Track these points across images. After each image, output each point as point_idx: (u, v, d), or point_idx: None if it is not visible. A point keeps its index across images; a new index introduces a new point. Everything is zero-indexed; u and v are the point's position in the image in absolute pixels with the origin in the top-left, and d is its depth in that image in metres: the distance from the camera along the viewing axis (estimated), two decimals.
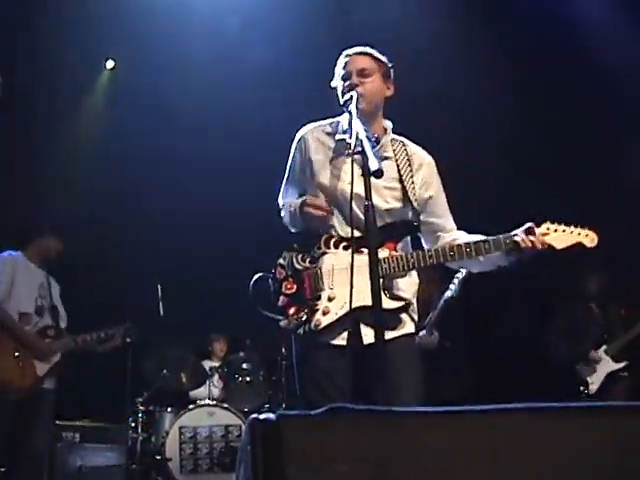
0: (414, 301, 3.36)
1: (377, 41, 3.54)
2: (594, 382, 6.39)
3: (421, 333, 5.86)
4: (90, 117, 8.71)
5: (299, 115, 3.70)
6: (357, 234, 3.12)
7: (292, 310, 3.22)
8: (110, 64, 8.66)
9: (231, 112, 7.79)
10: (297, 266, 3.31)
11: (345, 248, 3.24)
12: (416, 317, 3.37)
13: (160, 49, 7.80)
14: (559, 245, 3.16)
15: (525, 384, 7.07)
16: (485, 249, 3.15)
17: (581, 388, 6.40)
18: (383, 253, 3.14)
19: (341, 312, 3.14)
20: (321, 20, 7.60)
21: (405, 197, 3.29)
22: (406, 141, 3.47)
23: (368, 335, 3.08)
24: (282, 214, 3.54)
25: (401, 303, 3.16)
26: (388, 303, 3.06)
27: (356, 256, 3.04)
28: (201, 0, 7.80)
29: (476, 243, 3.16)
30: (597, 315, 6.70)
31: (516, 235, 3.15)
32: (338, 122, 3.44)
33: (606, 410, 1.87)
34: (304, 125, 3.53)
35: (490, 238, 3.17)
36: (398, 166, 3.33)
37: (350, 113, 3.12)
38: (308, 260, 3.29)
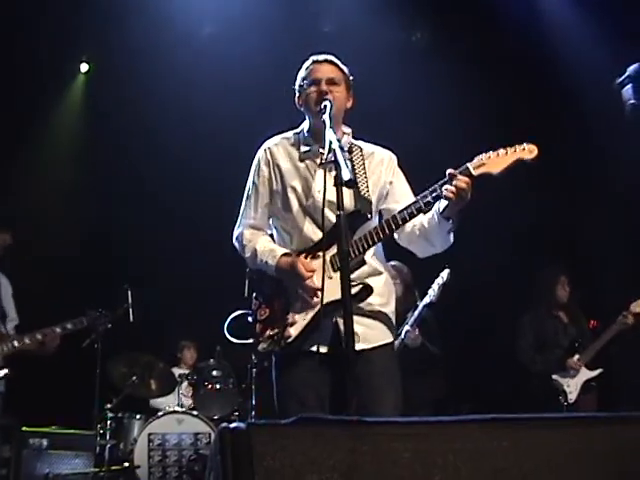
0: (392, 307, 3.39)
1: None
2: (572, 391, 6.43)
3: (404, 330, 5.92)
4: (66, 119, 8.70)
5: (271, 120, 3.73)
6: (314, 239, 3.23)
7: (267, 333, 3.26)
8: (84, 67, 8.64)
9: (206, 114, 7.82)
10: (266, 291, 3.35)
11: (304, 258, 3.26)
12: (394, 325, 3.39)
13: (135, 51, 7.83)
14: (496, 169, 3.01)
15: (504, 392, 7.17)
16: (426, 204, 3.10)
17: (560, 397, 6.43)
18: (334, 250, 3.12)
19: (308, 317, 3.17)
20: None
21: (357, 199, 3.26)
22: (364, 144, 3.49)
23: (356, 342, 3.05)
24: (239, 245, 3.50)
25: (359, 287, 3.15)
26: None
27: (314, 261, 3.16)
28: (177, 5, 7.83)
29: (413, 202, 3.14)
30: (567, 325, 6.76)
31: (443, 190, 3.05)
32: (300, 132, 3.47)
33: (574, 421, 1.90)
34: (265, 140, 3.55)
35: (420, 197, 3.14)
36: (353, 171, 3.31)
37: (324, 122, 3.12)
38: (275, 283, 3.31)
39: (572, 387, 6.43)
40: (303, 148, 3.40)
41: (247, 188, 3.51)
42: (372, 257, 3.34)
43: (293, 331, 3.17)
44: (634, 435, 1.75)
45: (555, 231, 7.98)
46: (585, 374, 6.46)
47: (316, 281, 3.15)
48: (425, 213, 3.16)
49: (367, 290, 3.18)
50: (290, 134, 3.50)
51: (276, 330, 3.23)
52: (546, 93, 7.89)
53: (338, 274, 2.94)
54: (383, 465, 1.59)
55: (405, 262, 6.02)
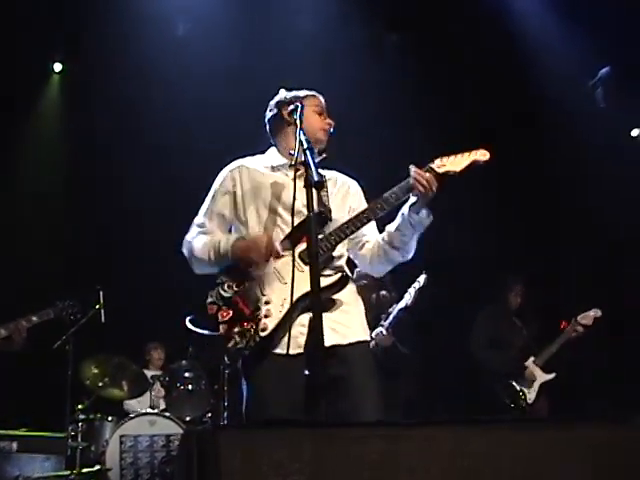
0: (362, 308, 3.42)
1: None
2: (530, 392, 6.59)
3: (378, 330, 5.95)
4: (43, 119, 8.67)
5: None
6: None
7: (236, 329, 3.21)
8: (58, 67, 8.60)
9: (180, 112, 7.83)
10: (225, 294, 3.31)
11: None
12: (367, 325, 3.42)
13: (108, 50, 7.82)
14: (457, 168, 3.27)
15: (464, 393, 7.23)
16: (392, 197, 3.23)
17: (521, 399, 6.54)
18: (302, 246, 3.19)
19: (284, 309, 3.16)
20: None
21: (319, 203, 3.31)
22: (327, 171, 3.54)
23: (331, 340, 3.08)
24: (186, 248, 3.49)
25: (337, 275, 3.25)
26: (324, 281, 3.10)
27: (279, 261, 3.23)
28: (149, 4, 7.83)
29: (381, 197, 3.26)
30: (519, 325, 6.91)
31: (409, 179, 3.22)
32: (271, 154, 3.55)
33: (540, 423, 1.92)
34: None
35: (390, 190, 3.27)
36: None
37: (295, 123, 3.18)
38: (236, 284, 3.30)
39: (530, 388, 6.63)
40: (275, 162, 3.48)
41: (206, 201, 3.54)
42: (344, 265, 3.41)
43: (269, 323, 3.15)
44: (601, 436, 1.77)
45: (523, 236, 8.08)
46: (542, 377, 6.68)
47: (286, 275, 3.17)
48: (390, 207, 3.26)
49: (344, 280, 3.29)
50: (258, 158, 3.57)
51: (250, 324, 3.19)
52: (514, 99, 7.96)
53: (307, 267, 2.99)
54: (349, 468, 1.59)
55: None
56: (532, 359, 6.68)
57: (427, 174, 3.19)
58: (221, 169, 3.56)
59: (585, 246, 7.92)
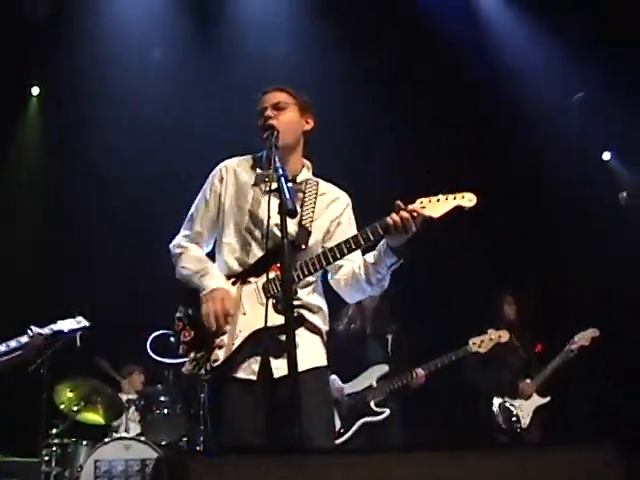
0: (325, 330, 3.40)
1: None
2: (524, 416, 6.50)
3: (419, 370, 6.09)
4: (22, 144, 8.73)
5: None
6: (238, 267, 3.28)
7: (192, 355, 3.24)
8: (35, 91, 8.64)
9: (155, 130, 7.88)
10: (191, 313, 3.33)
11: (233, 283, 3.28)
12: (325, 350, 3.39)
13: (83, 71, 7.88)
14: (436, 214, 3.06)
15: (452, 416, 7.22)
16: (363, 238, 3.12)
17: (514, 420, 6.49)
18: (271, 274, 3.16)
19: (237, 342, 3.16)
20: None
21: (301, 236, 3.30)
22: (321, 182, 3.52)
23: (279, 368, 3.09)
24: (173, 254, 3.49)
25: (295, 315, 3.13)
26: (276, 319, 3.06)
27: (245, 287, 3.21)
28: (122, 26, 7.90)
29: (354, 236, 3.16)
30: (517, 347, 6.84)
31: (387, 217, 3.10)
32: (261, 156, 3.47)
33: (508, 449, 1.95)
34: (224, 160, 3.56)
35: (365, 228, 3.16)
36: (302, 208, 3.34)
37: (270, 149, 3.18)
38: (198, 307, 3.29)
39: (524, 412, 6.51)
40: (258, 171, 3.42)
41: (196, 201, 3.51)
42: (312, 293, 3.36)
43: (221, 355, 3.16)
44: (567, 461, 1.80)
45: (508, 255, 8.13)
46: (536, 400, 6.57)
47: (246, 306, 3.19)
48: (362, 246, 3.18)
49: (299, 320, 3.20)
50: (249, 157, 3.52)
51: (202, 353, 3.21)
52: (493, 123, 8.07)
53: (271, 301, 3.04)
54: None
55: None
56: (528, 381, 6.58)
57: (405, 213, 3.05)
58: (198, 183, 3.56)
59: (584, 265, 7.97)
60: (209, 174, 3.53)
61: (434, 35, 7.74)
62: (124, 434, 6.57)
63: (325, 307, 3.43)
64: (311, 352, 3.28)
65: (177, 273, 3.44)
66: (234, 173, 3.45)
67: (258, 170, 3.43)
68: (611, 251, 7.52)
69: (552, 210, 8.10)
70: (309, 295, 3.34)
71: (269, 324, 3.02)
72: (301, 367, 3.13)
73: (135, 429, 6.91)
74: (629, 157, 8.40)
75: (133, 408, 6.96)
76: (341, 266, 3.38)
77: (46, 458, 6.28)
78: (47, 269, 8.09)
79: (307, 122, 3.48)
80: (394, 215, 3.07)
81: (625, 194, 4.61)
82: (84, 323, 5.72)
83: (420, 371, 6.10)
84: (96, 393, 6.68)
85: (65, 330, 5.62)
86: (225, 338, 3.19)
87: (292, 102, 3.44)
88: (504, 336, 6.22)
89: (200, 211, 3.47)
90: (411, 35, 7.88)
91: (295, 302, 3.15)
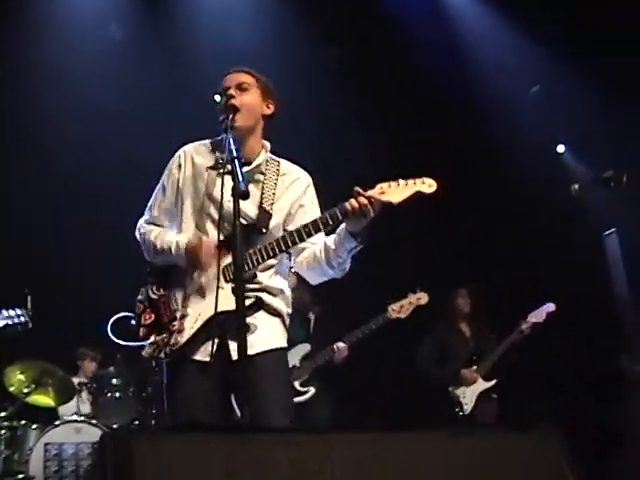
0: (284, 314, 3.42)
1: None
2: (467, 402, 6.56)
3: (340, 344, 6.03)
4: None
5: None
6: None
7: (152, 338, 3.27)
8: None
9: (112, 117, 7.80)
10: (152, 296, 3.36)
11: (193, 269, 3.31)
12: (285, 331, 3.41)
13: (40, 57, 7.74)
14: (396, 199, 3.10)
15: (401, 404, 7.27)
16: (322, 223, 3.16)
17: (456, 409, 6.56)
18: (228, 259, 3.17)
19: (196, 325, 3.19)
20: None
21: (261, 219, 3.33)
22: (282, 162, 3.54)
23: (236, 350, 3.08)
24: (140, 237, 3.51)
25: (251, 300, 3.17)
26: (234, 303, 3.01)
27: (203, 274, 3.24)
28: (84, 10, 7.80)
29: (313, 221, 3.19)
30: (467, 336, 6.92)
31: (345, 203, 3.13)
32: (221, 139, 3.45)
33: (448, 431, 1.98)
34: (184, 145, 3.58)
35: (324, 213, 3.20)
36: (263, 190, 3.39)
37: (225, 131, 3.19)
38: (162, 288, 3.35)
39: (468, 398, 6.57)
40: (217, 154, 3.43)
41: (156, 188, 3.54)
42: (273, 276, 3.38)
43: (180, 338, 3.20)
44: (491, 442, 1.85)
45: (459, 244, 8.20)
46: (481, 385, 6.61)
47: (206, 290, 3.22)
48: (321, 232, 3.21)
49: (258, 304, 3.24)
50: (208, 141, 3.54)
51: (163, 336, 3.24)
52: (459, 112, 8.11)
53: (229, 285, 3.03)
54: (260, 472, 1.62)
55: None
56: (474, 367, 6.62)
57: (363, 199, 3.08)
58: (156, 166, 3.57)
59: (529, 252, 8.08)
60: (169, 160, 3.55)
61: (402, 27, 7.77)
62: (75, 417, 6.52)
63: (287, 290, 3.46)
64: (270, 334, 3.32)
65: (147, 252, 3.47)
66: (192, 159, 3.47)
67: (217, 153, 3.44)
68: (566, 237, 7.63)
69: (511, 203, 8.18)
70: (270, 278, 3.37)
71: (227, 308, 3.01)
72: (259, 349, 3.22)
73: (86, 412, 6.86)
74: (583, 151, 8.51)
75: (85, 391, 6.91)
76: (303, 249, 3.42)
77: None
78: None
79: (268, 107, 3.50)
80: (352, 201, 3.10)
81: (577, 186, 4.69)
82: (23, 318, 5.62)
83: (341, 344, 6.10)
84: (47, 375, 6.60)
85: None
86: (185, 323, 3.21)
87: (255, 84, 3.46)
88: (423, 298, 6.14)
89: (158, 199, 3.51)
90: (379, 25, 7.89)
91: (255, 285, 3.23)
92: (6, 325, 5.52)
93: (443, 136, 8.08)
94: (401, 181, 3.14)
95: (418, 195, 3.11)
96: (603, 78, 7.10)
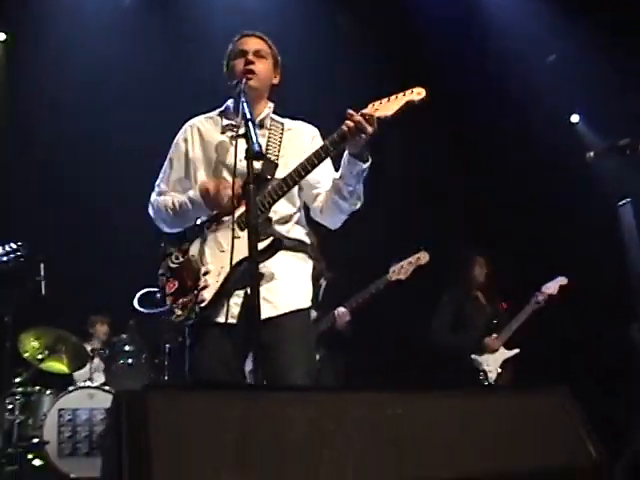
0: (307, 275, 3.43)
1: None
2: (492, 370, 6.55)
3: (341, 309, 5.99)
4: None
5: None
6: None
7: (180, 301, 3.26)
8: (1, 37, 8.47)
9: (124, 85, 7.81)
10: (172, 265, 3.36)
11: (208, 227, 3.34)
12: (309, 292, 3.43)
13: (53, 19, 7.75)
14: (389, 112, 3.11)
15: (409, 371, 7.28)
16: (324, 151, 3.17)
17: (480, 376, 6.55)
18: (240, 210, 3.18)
19: (220, 278, 3.18)
20: None
21: (266, 169, 3.29)
22: (287, 121, 3.56)
23: (264, 312, 2.99)
24: (153, 210, 3.52)
25: (268, 240, 3.16)
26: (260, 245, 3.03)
27: (220, 227, 3.28)
28: None
29: (315, 151, 3.19)
30: (483, 303, 6.91)
31: (342, 126, 3.13)
32: (227, 106, 3.52)
33: (464, 392, 1.99)
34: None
35: (324, 141, 3.22)
36: (268, 143, 3.40)
37: (239, 95, 3.19)
38: (180, 255, 3.35)
39: (491, 366, 6.55)
40: (225, 122, 3.46)
41: (165, 162, 3.56)
42: (292, 228, 3.39)
43: (207, 294, 3.18)
44: (507, 404, 1.85)
45: (470, 215, 8.17)
46: (503, 353, 6.56)
47: (224, 243, 3.23)
48: (324, 160, 3.21)
49: (277, 243, 3.21)
50: (214, 112, 3.56)
51: (189, 297, 3.23)
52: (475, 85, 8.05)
53: (244, 233, 3.02)
54: (276, 430, 1.63)
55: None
56: (494, 335, 6.55)
57: (357, 117, 3.08)
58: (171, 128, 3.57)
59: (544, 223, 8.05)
60: (175, 135, 3.57)
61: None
62: (89, 383, 6.57)
63: (308, 240, 3.48)
64: (294, 293, 3.34)
65: (163, 221, 3.47)
66: (198, 130, 3.51)
67: (224, 120, 3.48)
68: (580, 212, 7.61)
69: (525, 172, 8.13)
70: (289, 231, 3.38)
71: (246, 255, 2.96)
72: (282, 310, 3.23)
73: (99, 378, 6.92)
74: (597, 121, 8.45)
75: (98, 357, 6.96)
76: (317, 195, 3.43)
77: (10, 406, 6.26)
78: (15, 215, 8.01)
79: (275, 76, 3.55)
80: (348, 122, 3.11)
81: (592, 154, 4.65)
82: (19, 252, 5.60)
83: (341, 309, 5.99)
84: (61, 342, 6.68)
85: None
86: (209, 278, 3.21)
87: (269, 53, 3.51)
88: (423, 258, 6.00)
89: (166, 173, 3.54)
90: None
91: (266, 233, 3.19)
92: (3, 261, 5.54)
93: (459, 109, 8.01)
94: (391, 96, 3.16)
95: (410, 104, 3.12)
96: (621, 52, 7.03)
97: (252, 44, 3.47)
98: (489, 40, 7.97)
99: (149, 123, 7.49)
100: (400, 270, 5.95)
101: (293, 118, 3.61)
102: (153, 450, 1.50)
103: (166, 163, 3.56)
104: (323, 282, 6.30)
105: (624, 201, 5.55)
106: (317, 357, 5.88)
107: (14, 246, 5.53)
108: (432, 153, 8.19)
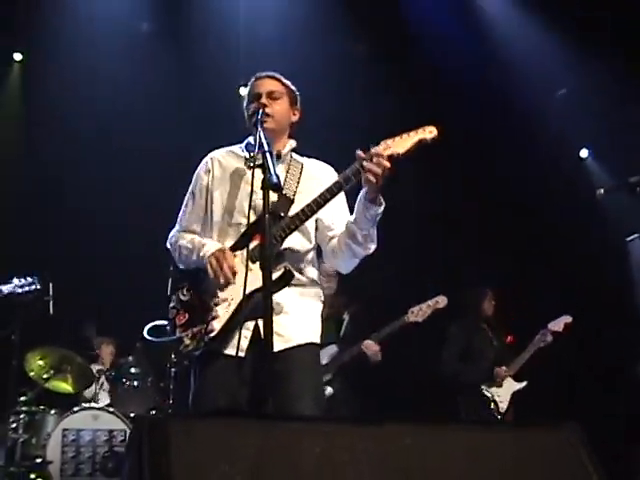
0: (316, 313, 3.44)
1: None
2: (502, 401, 6.61)
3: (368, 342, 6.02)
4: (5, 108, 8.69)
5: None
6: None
7: (189, 332, 3.29)
8: (18, 57, 8.59)
9: (140, 102, 7.90)
10: (183, 298, 3.39)
11: None
12: (318, 328, 3.43)
13: (70, 42, 7.85)
14: (401, 150, 3.11)
15: (423, 405, 7.28)
16: (336, 187, 3.19)
17: (492, 408, 6.60)
18: (254, 243, 3.21)
19: (230, 309, 3.20)
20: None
21: (281, 205, 3.33)
22: (306, 160, 3.58)
23: (275, 345, 2.96)
24: (171, 247, 3.54)
25: (280, 271, 3.18)
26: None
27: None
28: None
29: (328, 187, 3.20)
30: (490, 336, 6.97)
31: (355, 164, 3.13)
32: (247, 143, 3.53)
33: (474, 425, 2.01)
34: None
35: (338, 177, 3.23)
36: (285, 178, 3.41)
37: (256, 126, 3.22)
38: (192, 289, 3.37)
39: (502, 397, 6.66)
40: (245, 154, 3.48)
41: (187, 195, 3.58)
42: (304, 267, 3.40)
43: (216, 324, 3.20)
44: (515, 438, 1.87)
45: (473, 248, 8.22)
46: (513, 385, 6.71)
47: (237, 277, 3.22)
48: (336, 195, 3.21)
49: (289, 275, 3.22)
50: (236, 146, 3.60)
51: (198, 327, 3.26)
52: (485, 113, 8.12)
53: (257, 265, 3.06)
54: (289, 460, 1.65)
55: None
56: (504, 368, 6.67)
57: (374, 158, 3.07)
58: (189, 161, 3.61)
59: (551, 256, 8.09)
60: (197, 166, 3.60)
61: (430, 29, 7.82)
62: (93, 404, 6.58)
63: (318, 280, 3.49)
64: (305, 327, 3.35)
65: (178, 261, 3.49)
66: (219, 162, 3.53)
67: (244, 153, 3.50)
68: (587, 247, 7.66)
69: (533, 207, 8.18)
70: (303, 268, 3.39)
71: (257, 286, 3.02)
72: (295, 342, 3.25)
73: (105, 400, 6.92)
74: (606, 156, 8.50)
75: (103, 379, 6.97)
76: (331, 238, 3.43)
77: (14, 425, 6.26)
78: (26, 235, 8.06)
79: (294, 114, 3.57)
80: (362, 162, 3.10)
81: (602, 190, 4.69)
82: (34, 286, 5.74)
83: (368, 341, 6.05)
84: (66, 362, 6.68)
85: (15, 290, 5.67)
86: (219, 309, 3.23)
87: (284, 92, 3.53)
88: (441, 302, 6.14)
89: (188, 207, 3.56)
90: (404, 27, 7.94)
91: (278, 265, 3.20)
92: (18, 292, 5.64)
93: (466, 136, 8.08)
94: (403, 134, 3.16)
95: (422, 142, 3.12)
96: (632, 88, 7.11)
97: (265, 86, 3.49)
98: (501, 71, 8.04)
99: (161, 145, 7.58)
100: (418, 312, 6.08)
101: (309, 156, 3.63)
102: (173, 476, 1.52)
103: (187, 196, 3.57)
104: (346, 317, 6.35)
105: (633, 236, 5.58)
106: (331, 391, 5.94)
107: (30, 280, 5.68)
108: (444, 187, 8.25)
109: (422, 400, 7.18)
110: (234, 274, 3.22)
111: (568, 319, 6.76)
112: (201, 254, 3.33)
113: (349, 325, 6.30)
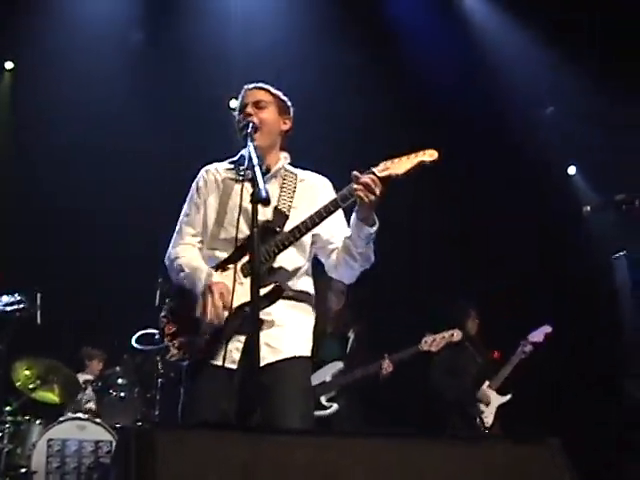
0: (309, 325, 3.46)
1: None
2: (487, 415, 6.70)
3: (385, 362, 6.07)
4: None
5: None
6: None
7: (176, 342, 3.31)
8: (9, 65, 8.61)
9: (130, 114, 7.90)
10: (172, 308, 3.44)
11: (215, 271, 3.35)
12: (309, 341, 3.44)
13: (58, 49, 7.87)
14: (400, 170, 3.15)
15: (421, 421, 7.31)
16: (333, 205, 3.22)
17: (477, 422, 6.64)
18: (246, 258, 3.23)
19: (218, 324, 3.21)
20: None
21: (276, 220, 3.37)
22: (300, 172, 3.60)
23: (263, 358, 3.05)
24: (169, 263, 3.54)
25: (270, 286, 3.20)
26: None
27: (224, 273, 3.27)
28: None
29: (324, 205, 3.23)
30: (474, 354, 7.00)
31: (353, 184, 3.16)
32: (240, 156, 3.54)
33: (470, 440, 2.03)
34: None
35: (334, 198, 3.26)
36: (280, 193, 3.46)
37: (245, 140, 3.25)
38: (183, 300, 3.38)
39: (487, 412, 6.71)
40: (237, 168, 3.50)
41: (184, 209, 3.61)
42: (299, 279, 3.42)
43: (205, 337, 3.23)
44: (499, 454, 1.89)
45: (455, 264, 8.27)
46: (498, 399, 6.78)
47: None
48: (332, 213, 3.24)
49: (278, 291, 3.24)
50: (230, 160, 3.62)
51: (186, 338, 3.28)
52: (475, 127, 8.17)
53: (247, 279, 3.06)
54: (277, 473, 1.66)
55: None
56: (487, 384, 6.77)
57: (367, 177, 3.12)
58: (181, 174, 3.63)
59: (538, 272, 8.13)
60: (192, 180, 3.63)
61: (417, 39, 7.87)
62: (79, 415, 6.55)
63: (313, 292, 3.50)
64: (296, 340, 3.37)
65: (174, 280, 3.50)
66: (213, 175, 3.57)
67: (236, 167, 3.52)
68: (572, 262, 7.71)
69: (517, 221, 8.23)
70: (296, 283, 3.41)
71: (247, 299, 2.99)
72: (280, 356, 3.26)
73: (91, 410, 6.89)
74: (594, 174, 8.56)
75: (90, 389, 6.94)
76: (332, 251, 3.47)
77: None
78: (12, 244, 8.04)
79: (284, 122, 3.59)
80: (356, 180, 3.14)
81: (589, 208, 4.74)
82: (22, 305, 5.78)
83: (388, 362, 6.13)
84: (52, 372, 6.65)
85: (5, 309, 5.72)
86: (206, 325, 3.23)
87: (272, 101, 3.55)
88: (457, 335, 6.27)
89: (186, 218, 3.58)
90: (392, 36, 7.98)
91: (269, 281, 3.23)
92: (6, 311, 5.67)
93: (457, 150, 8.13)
94: (404, 156, 3.20)
95: (422, 165, 3.16)
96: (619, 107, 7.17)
97: (252, 96, 3.54)
98: (488, 94, 8.10)
99: (152, 155, 7.59)
100: (432, 342, 6.19)
101: (304, 168, 3.65)
102: None
103: (185, 210, 3.59)
104: (351, 334, 6.37)
105: (619, 254, 5.63)
106: (336, 407, 5.96)
107: (18, 297, 5.72)
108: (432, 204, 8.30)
109: (429, 417, 7.22)
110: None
111: (548, 329, 6.84)
112: (197, 282, 3.32)
113: (354, 343, 6.33)
